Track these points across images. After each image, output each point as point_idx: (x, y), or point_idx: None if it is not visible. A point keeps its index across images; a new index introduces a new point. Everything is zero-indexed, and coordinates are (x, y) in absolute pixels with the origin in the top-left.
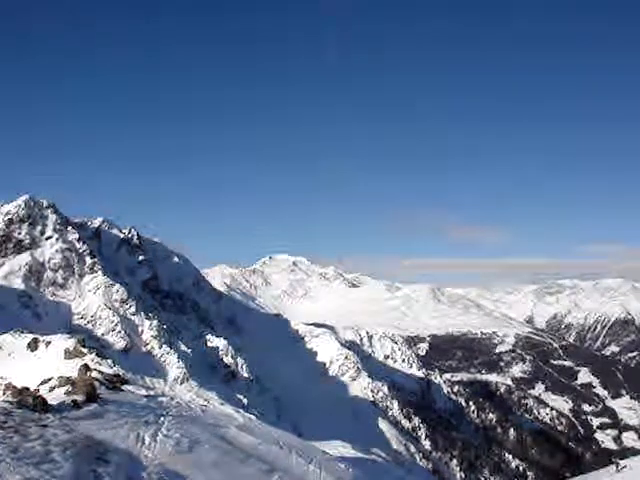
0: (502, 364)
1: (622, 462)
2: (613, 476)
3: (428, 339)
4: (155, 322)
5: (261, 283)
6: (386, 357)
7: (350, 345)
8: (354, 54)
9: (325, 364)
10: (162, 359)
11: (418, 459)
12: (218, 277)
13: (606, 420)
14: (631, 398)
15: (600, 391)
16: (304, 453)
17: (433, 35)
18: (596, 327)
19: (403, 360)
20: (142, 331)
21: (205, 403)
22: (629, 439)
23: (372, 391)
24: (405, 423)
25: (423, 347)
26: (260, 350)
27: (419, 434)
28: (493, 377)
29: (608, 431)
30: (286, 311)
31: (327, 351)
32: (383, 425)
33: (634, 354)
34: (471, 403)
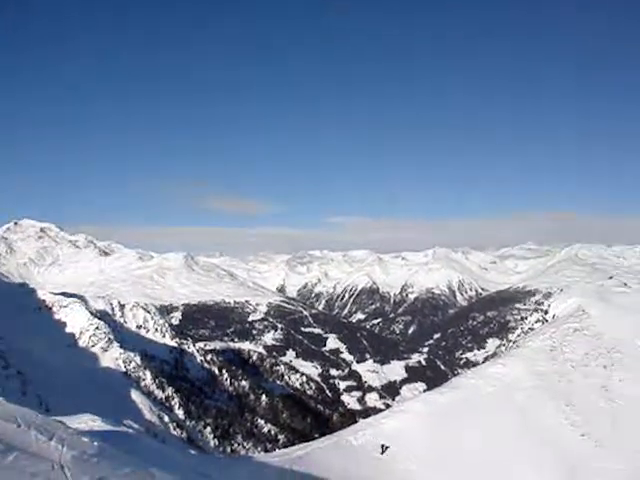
0: (255, 332)
1: (383, 442)
2: (379, 458)
3: (181, 308)
4: None
5: (5, 250)
6: (139, 327)
7: (101, 315)
8: None
9: (75, 335)
10: None
11: (172, 428)
12: None
13: (352, 383)
14: (374, 362)
15: (347, 356)
16: (45, 429)
17: None
18: (344, 296)
19: (156, 330)
20: None
21: None
22: (372, 399)
23: (124, 362)
24: (158, 393)
25: (176, 316)
26: (3, 322)
27: (172, 403)
28: (246, 345)
29: (353, 393)
30: (33, 280)
31: (77, 322)
32: (135, 396)
33: (378, 321)
34: (224, 371)
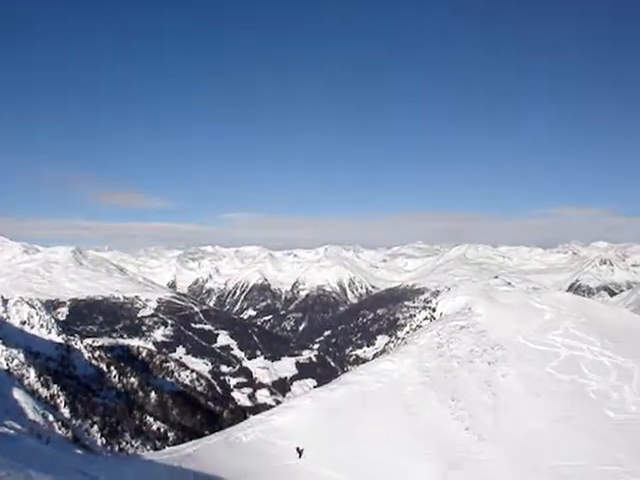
0: (144, 328)
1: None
2: (270, 454)
3: (69, 303)
4: None
5: None
6: (23, 323)
7: None
8: None
9: None
10: None
11: (57, 428)
12: None
13: (242, 380)
14: (265, 358)
15: (237, 353)
16: None
17: None
18: (236, 292)
19: (42, 326)
20: None
21: None
22: (262, 396)
23: (6, 359)
24: (43, 391)
25: (63, 312)
26: None
27: (58, 402)
28: (135, 341)
29: (244, 390)
30: None
31: None
32: (18, 395)
33: (269, 317)
34: (113, 368)
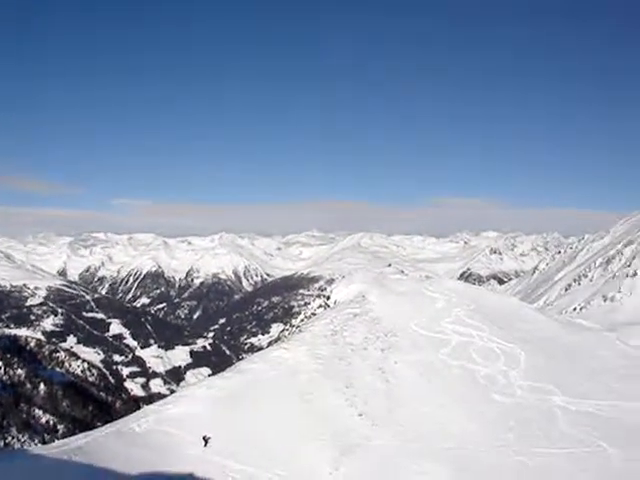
0: (33, 317)
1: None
2: (164, 445)
3: None
4: None
5: None
6: None
7: None
8: None
9: None
10: None
11: None
12: None
13: (135, 369)
14: (159, 347)
15: (130, 341)
16: None
17: None
18: (129, 280)
19: None
20: None
21: None
22: (156, 385)
23: None
24: None
25: None
26: None
27: None
28: (23, 331)
29: (137, 379)
30: None
31: None
32: None
33: (163, 305)
34: None
